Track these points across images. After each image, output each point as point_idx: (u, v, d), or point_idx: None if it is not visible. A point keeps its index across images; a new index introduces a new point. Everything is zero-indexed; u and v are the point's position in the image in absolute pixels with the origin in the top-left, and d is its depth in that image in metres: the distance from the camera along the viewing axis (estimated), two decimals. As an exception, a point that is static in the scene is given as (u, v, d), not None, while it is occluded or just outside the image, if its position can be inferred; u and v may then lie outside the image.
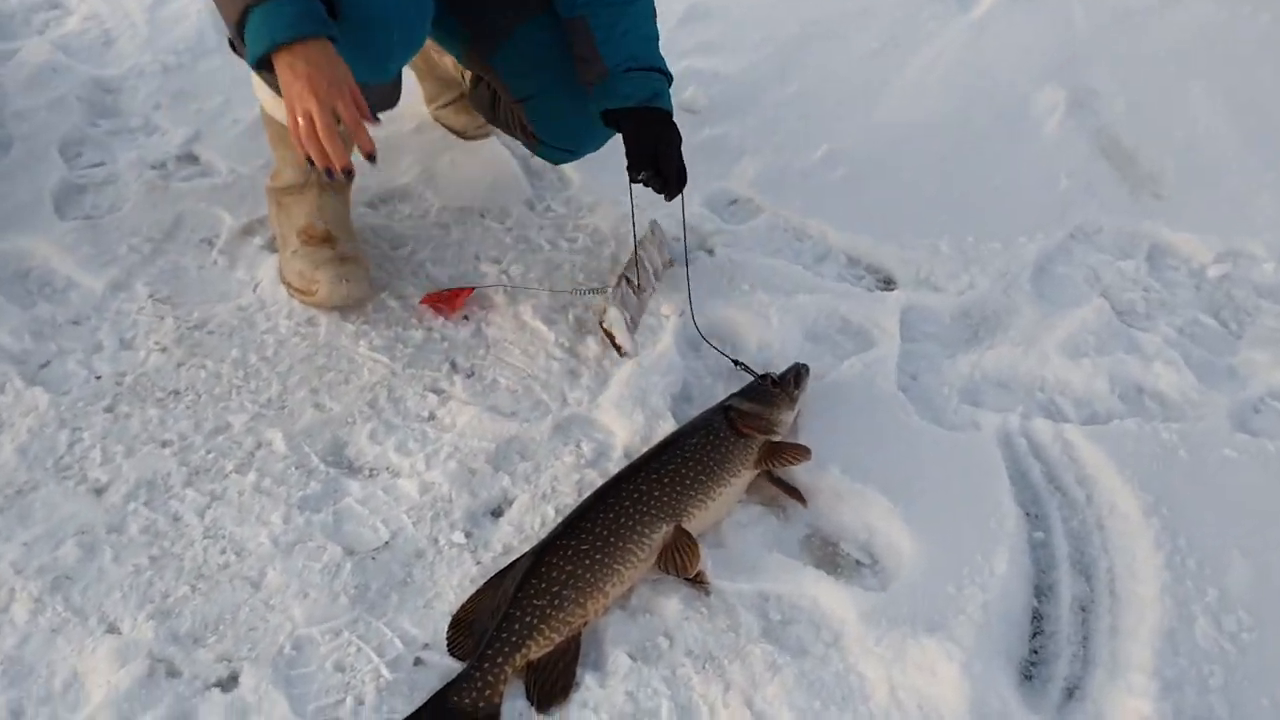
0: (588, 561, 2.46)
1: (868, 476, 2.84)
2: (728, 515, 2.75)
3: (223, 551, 2.53)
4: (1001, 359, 3.34)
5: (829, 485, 2.83)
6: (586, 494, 2.74)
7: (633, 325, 3.14)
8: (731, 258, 3.65)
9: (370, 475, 2.78)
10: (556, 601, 2.41)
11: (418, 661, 2.36)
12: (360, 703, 2.25)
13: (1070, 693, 2.48)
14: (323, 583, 2.48)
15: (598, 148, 3.36)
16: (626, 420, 2.96)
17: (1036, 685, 2.49)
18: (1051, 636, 2.61)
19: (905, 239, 3.82)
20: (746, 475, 2.78)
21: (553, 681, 2.35)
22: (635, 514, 2.56)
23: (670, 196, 3.07)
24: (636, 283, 3.28)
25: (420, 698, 2.28)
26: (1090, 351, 3.36)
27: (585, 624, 2.45)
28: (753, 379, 3.06)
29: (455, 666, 2.36)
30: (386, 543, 2.60)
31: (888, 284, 3.70)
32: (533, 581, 2.43)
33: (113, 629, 2.36)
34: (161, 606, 2.40)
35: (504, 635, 2.35)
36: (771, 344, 3.32)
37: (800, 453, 2.78)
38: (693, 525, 2.63)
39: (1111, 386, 3.27)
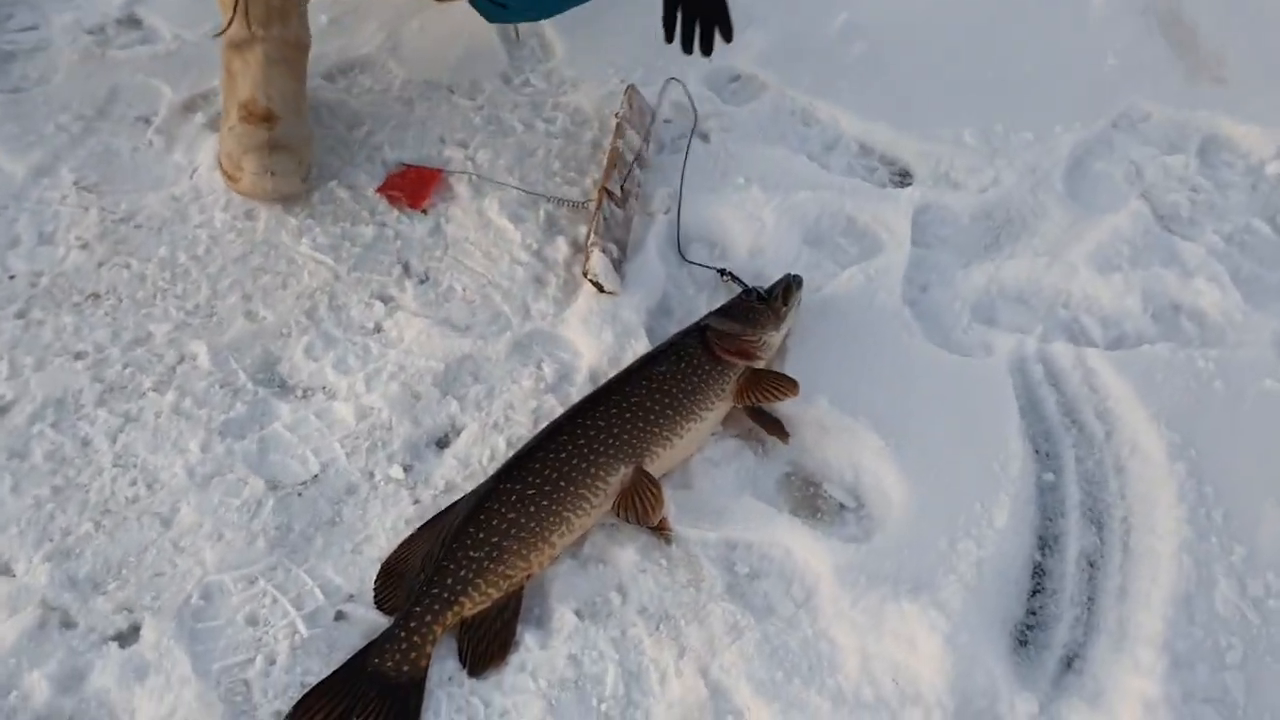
0: (533, 508, 2.22)
1: (859, 408, 2.57)
2: (697, 451, 2.49)
3: (133, 483, 2.32)
4: (1022, 270, 3.02)
5: (815, 417, 2.56)
6: (543, 424, 2.48)
7: (620, 257, 2.83)
8: (727, 146, 3.31)
9: (303, 397, 2.53)
10: (496, 553, 2.18)
11: (339, 616, 2.16)
12: (271, 662, 2.06)
13: (1068, 663, 2.25)
14: (240, 522, 2.26)
15: (544, 14, 2.96)
16: (594, 339, 2.68)
17: (1031, 653, 2.26)
18: (1053, 596, 2.37)
19: (926, 126, 3.45)
20: (722, 408, 2.52)
21: (488, 641, 2.14)
22: (591, 454, 2.31)
23: (707, 48, 2.71)
24: (620, 190, 2.94)
25: (339, 658, 2.08)
26: (1123, 264, 3.03)
27: (529, 577, 2.23)
28: (739, 292, 2.75)
29: (381, 622, 2.15)
30: (315, 476, 2.37)
31: (903, 178, 3.35)
32: (470, 530, 2.19)
33: (5, 570, 2.16)
34: (61, 545, 2.20)
35: (435, 591, 2.13)
36: (765, 249, 3.01)
37: (786, 386, 2.50)
38: (656, 466, 2.38)
39: (1144, 305, 2.95)
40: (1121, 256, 3.04)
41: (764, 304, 2.67)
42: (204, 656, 2.07)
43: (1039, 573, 2.40)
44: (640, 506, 2.27)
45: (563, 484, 2.26)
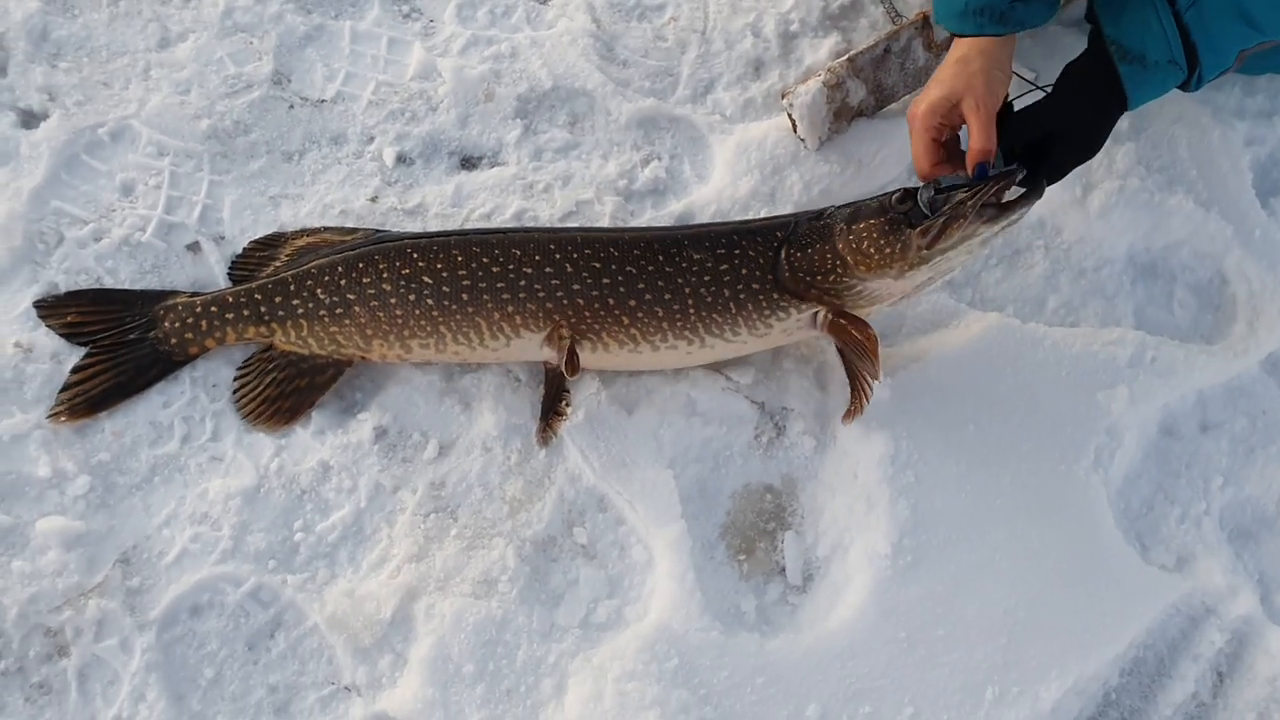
0: (413, 298, 1.79)
1: (911, 491, 1.83)
2: (686, 378, 1.88)
3: None
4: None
5: (856, 458, 1.85)
6: (561, 223, 1.95)
7: (863, 107, 2.09)
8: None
9: (404, 16, 2.17)
10: (340, 312, 1.80)
11: (192, 247, 1.92)
12: (96, 239, 1.89)
13: None
14: (215, 91, 2.04)
15: None
16: (730, 176, 2.07)
17: None
18: None
19: None
20: (748, 343, 1.86)
21: (284, 395, 1.83)
22: (524, 291, 1.79)
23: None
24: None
25: (148, 283, 1.87)
26: None
27: (362, 359, 1.82)
28: (898, 192, 1.78)
29: (217, 282, 1.87)
30: (321, 100, 2.05)
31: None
32: (339, 269, 1.81)
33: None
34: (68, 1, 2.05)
35: (257, 298, 1.82)
36: (1062, 227, 2.07)
37: (864, 334, 1.77)
38: (597, 358, 1.82)
39: None
40: None
41: (909, 219, 1.73)
42: (56, 188, 1.94)
43: None
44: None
45: (464, 298, 1.78)
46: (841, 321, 1.80)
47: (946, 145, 1.79)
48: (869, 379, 1.77)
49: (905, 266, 1.73)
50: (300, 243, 1.90)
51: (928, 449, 1.86)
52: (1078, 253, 2.10)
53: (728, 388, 1.91)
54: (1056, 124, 1.75)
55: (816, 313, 1.82)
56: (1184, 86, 1.75)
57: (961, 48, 1.77)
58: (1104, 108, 1.75)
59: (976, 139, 1.70)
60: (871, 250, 1.74)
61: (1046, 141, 1.75)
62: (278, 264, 1.88)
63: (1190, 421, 2.01)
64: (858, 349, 1.78)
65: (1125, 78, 1.70)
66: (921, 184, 1.76)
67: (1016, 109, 1.79)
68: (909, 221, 1.72)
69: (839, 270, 1.76)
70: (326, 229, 1.92)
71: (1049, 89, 1.85)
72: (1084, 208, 2.11)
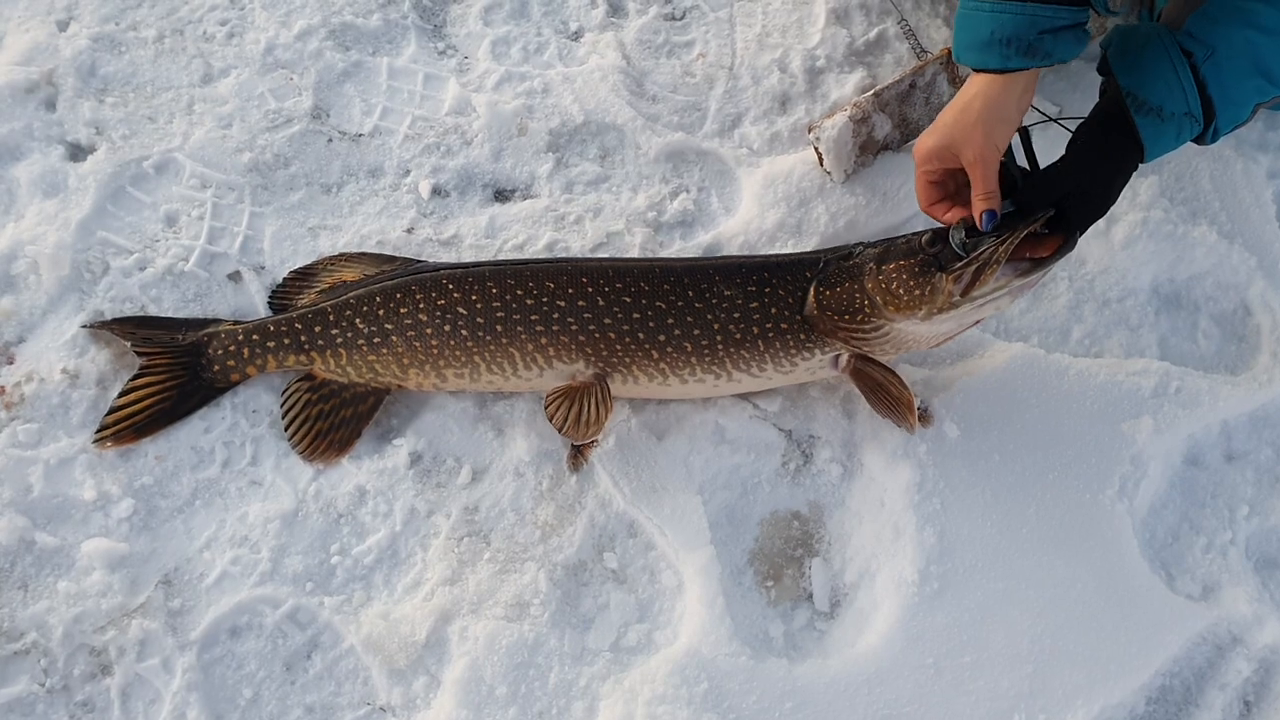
0: (448, 328, 1.82)
1: (941, 517, 1.85)
2: (712, 407, 1.92)
3: (223, 24, 2.21)
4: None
5: (885, 486, 1.88)
6: (600, 253, 2.01)
7: (889, 141, 2.12)
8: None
9: (439, 52, 2.22)
10: (378, 341, 1.84)
11: (234, 276, 1.97)
12: (141, 269, 1.94)
13: None
14: (256, 125, 2.09)
15: None
16: (756, 209, 2.11)
17: None
18: None
19: None
20: (772, 377, 1.89)
21: (334, 427, 1.87)
22: (558, 324, 1.84)
23: None
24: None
25: (192, 311, 1.92)
26: None
27: (399, 388, 1.87)
28: (928, 234, 1.79)
29: (257, 311, 1.92)
30: (359, 135, 2.11)
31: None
32: (377, 299, 1.85)
33: (61, 24, 2.12)
34: (114, 31, 2.14)
35: (297, 327, 1.87)
36: (1088, 256, 2.11)
37: (893, 381, 1.83)
38: (627, 389, 1.86)
39: None
40: None
41: (939, 261, 1.73)
42: (102, 217, 2.00)
43: None
44: (574, 417, 1.78)
45: (498, 329, 1.82)
46: (864, 368, 1.84)
47: (946, 185, 1.78)
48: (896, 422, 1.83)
49: (934, 309, 1.74)
50: (338, 269, 1.95)
51: (954, 477, 1.89)
52: (1102, 284, 2.12)
53: (755, 415, 1.95)
54: (1073, 186, 1.70)
55: (839, 355, 1.85)
56: (1199, 140, 1.72)
57: (966, 94, 1.72)
58: (1120, 163, 1.72)
59: (978, 190, 1.69)
60: (901, 291, 1.75)
61: (1063, 204, 1.70)
62: (317, 292, 1.93)
63: (1215, 451, 2.03)
64: (882, 399, 1.82)
65: (1142, 129, 1.67)
66: (951, 226, 1.75)
67: (1033, 156, 1.81)
68: (939, 264, 1.73)
69: (867, 310, 1.78)
70: (364, 254, 1.98)
71: (1062, 121, 1.88)
72: (1108, 239, 2.14)
